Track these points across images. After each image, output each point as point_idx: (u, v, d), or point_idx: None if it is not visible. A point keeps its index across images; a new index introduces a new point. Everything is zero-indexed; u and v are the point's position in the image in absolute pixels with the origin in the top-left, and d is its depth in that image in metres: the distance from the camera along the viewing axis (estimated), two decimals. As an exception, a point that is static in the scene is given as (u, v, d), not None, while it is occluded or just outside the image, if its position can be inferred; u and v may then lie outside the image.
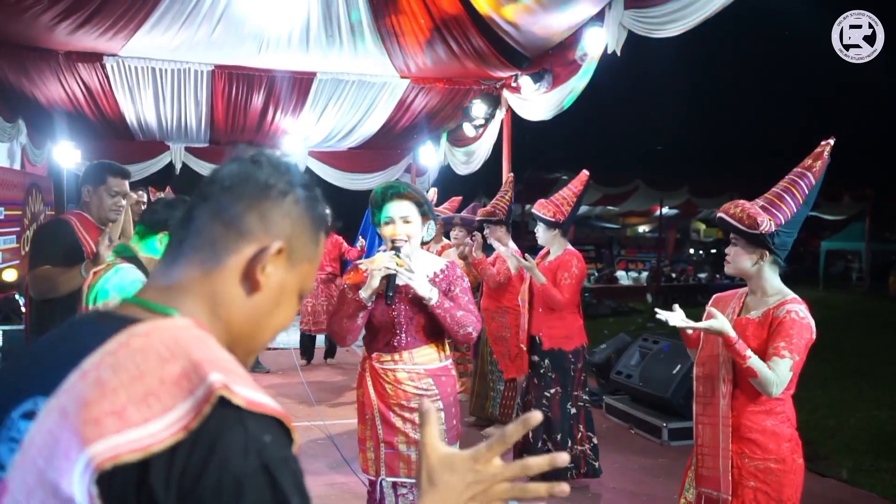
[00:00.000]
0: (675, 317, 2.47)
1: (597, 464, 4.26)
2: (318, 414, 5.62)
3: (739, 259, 2.47)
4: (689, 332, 2.63)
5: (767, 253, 2.41)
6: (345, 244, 7.95)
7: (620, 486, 4.39)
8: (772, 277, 2.46)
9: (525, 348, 4.32)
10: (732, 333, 2.31)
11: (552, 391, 4.19)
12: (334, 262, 7.91)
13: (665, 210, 19.82)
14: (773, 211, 2.40)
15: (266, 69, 7.58)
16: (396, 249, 2.62)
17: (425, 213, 2.69)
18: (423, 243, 2.79)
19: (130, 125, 8.79)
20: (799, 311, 2.35)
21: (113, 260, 2.25)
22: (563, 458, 0.84)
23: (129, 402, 0.69)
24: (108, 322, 0.80)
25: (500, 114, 7.80)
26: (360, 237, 7.88)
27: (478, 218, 5.37)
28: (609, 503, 4.16)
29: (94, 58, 7.00)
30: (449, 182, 9.96)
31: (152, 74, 7.46)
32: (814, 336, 2.37)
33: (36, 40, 6.53)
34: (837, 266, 24.25)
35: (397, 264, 2.56)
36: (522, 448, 4.36)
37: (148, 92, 7.80)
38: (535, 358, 4.27)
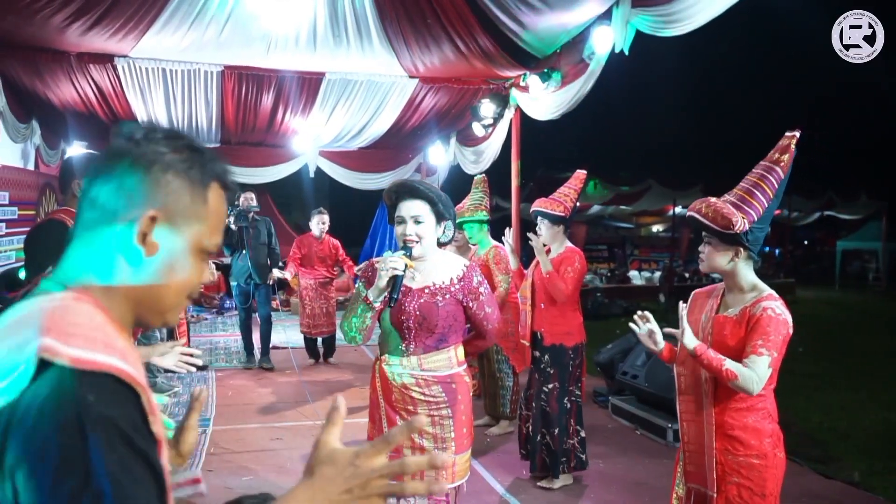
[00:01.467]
0: (644, 334, 2.59)
1: (584, 456, 4.38)
2: (318, 413, 5.65)
3: (714, 258, 2.46)
4: (656, 350, 2.62)
5: (742, 250, 2.42)
6: (342, 250, 7.70)
7: (624, 486, 4.37)
8: (747, 273, 2.47)
9: (527, 344, 4.37)
10: (697, 345, 2.33)
11: (550, 386, 4.26)
12: (331, 267, 7.67)
13: (679, 209, 19.68)
14: (746, 208, 2.40)
15: (275, 69, 7.62)
16: (407, 250, 2.55)
17: (440, 213, 2.60)
18: (441, 244, 2.69)
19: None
20: (775, 307, 2.36)
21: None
22: (442, 459, 0.89)
23: None
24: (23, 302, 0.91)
25: (509, 113, 7.80)
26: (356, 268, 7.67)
27: (460, 219, 5.38)
28: (613, 504, 4.14)
29: (106, 59, 7.08)
30: (459, 182, 9.95)
31: (163, 75, 7.52)
32: (791, 331, 2.37)
33: (48, 42, 6.61)
34: (854, 266, 24.00)
35: (406, 265, 2.50)
36: (527, 440, 4.43)
37: (159, 92, 7.86)
38: (537, 353, 4.34)
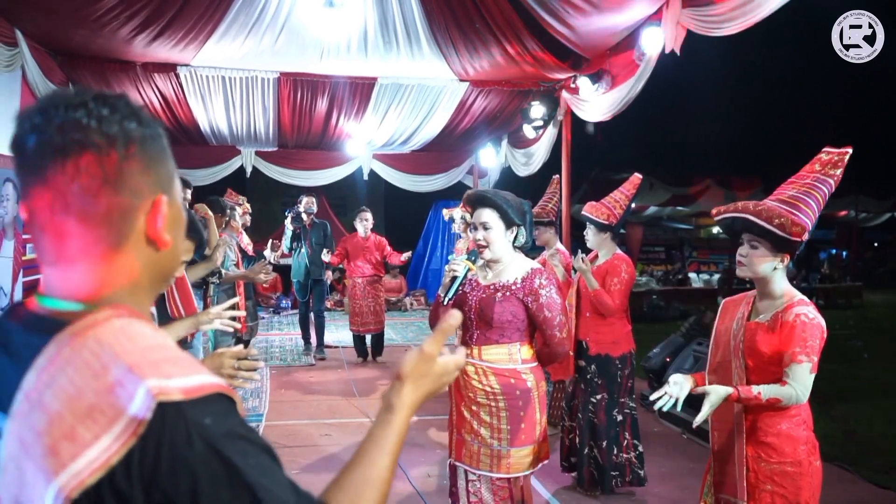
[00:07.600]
0: (671, 400, 2.41)
1: (642, 472, 4.20)
2: (366, 411, 5.78)
3: (761, 263, 2.39)
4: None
5: (787, 257, 2.38)
6: (388, 247, 7.76)
7: (668, 492, 4.33)
8: (782, 279, 2.43)
9: (572, 353, 4.24)
10: (731, 391, 2.28)
11: (598, 397, 4.13)
12: (378, 265, 7.71)
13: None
14: (803, 218, 2.33)
15: (328, 75, 7.83)
16: (472, 254, 2.77)
17: (509, 219, 2.77)
18: (517, 247, 2.85)
19: (204, 131, 9.22)
20: (808, 312, 2.31)
21: None
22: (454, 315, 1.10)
23: (75, 423, 0.72)
24: (33, 329, 0.82)
25: (560, 115, 7.79)
26: (403, 254, 7.85)
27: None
28: (655, 508, 4.11)
29: (169, 68, 7.42)
30: (511, 184, 9.98)
31: (222, 82, 7.83)
32: (825, 335, 2.32)
33: (116, 53, 6.97)
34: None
35: (468, 268, 2.73)
36: (570, 452, 4.38)
37: (219, 99, 8.19)
38: (582, 363, 4.20)
